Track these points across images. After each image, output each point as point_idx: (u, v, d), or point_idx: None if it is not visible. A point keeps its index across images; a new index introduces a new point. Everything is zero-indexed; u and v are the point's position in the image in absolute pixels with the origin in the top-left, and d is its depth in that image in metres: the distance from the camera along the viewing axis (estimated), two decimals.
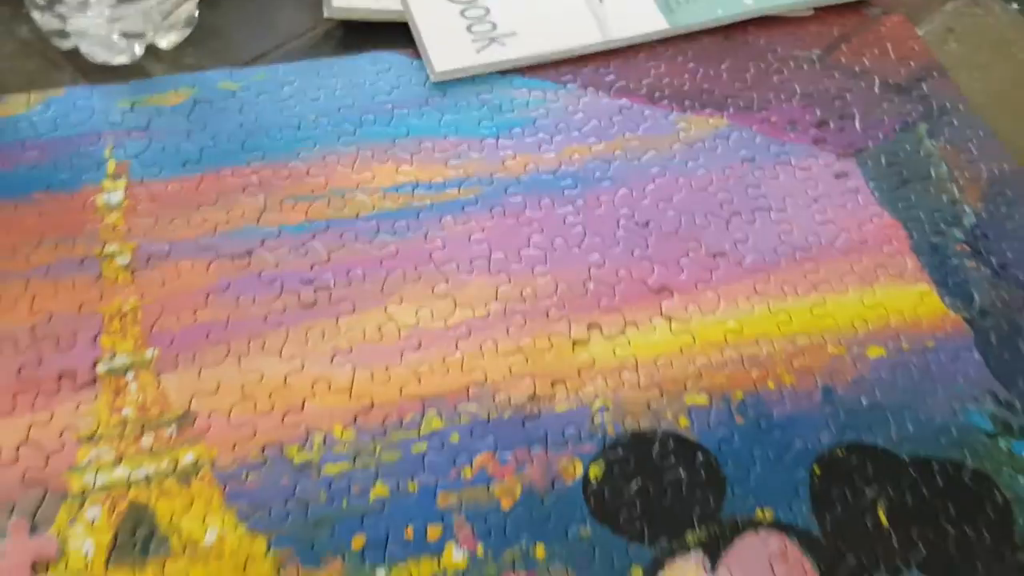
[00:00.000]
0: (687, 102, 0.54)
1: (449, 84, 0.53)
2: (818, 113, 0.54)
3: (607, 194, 0.49)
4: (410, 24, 0.54)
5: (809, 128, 0.53)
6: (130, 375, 0.39)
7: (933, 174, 0.51)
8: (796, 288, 0.45)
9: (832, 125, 0.53)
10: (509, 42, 0.54)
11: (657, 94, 0.54)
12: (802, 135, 0.53)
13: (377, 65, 0.53)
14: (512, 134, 0.51)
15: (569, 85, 0.54)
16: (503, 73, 0.53)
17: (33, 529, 0.35)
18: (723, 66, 0.56)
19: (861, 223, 0.48)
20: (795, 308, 0.45)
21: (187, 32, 0.51)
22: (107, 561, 0.35)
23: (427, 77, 0.53)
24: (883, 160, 0.52)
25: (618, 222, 0.48)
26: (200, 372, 0.40)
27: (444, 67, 0.53)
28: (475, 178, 0.49)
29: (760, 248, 0.47)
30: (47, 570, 0.34)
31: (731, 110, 0.53)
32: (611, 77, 0.55)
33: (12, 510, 0.36)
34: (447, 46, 0.53)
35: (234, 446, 0.38)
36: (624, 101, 0.54)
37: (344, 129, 0.50)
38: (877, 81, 0.56)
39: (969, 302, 0.46)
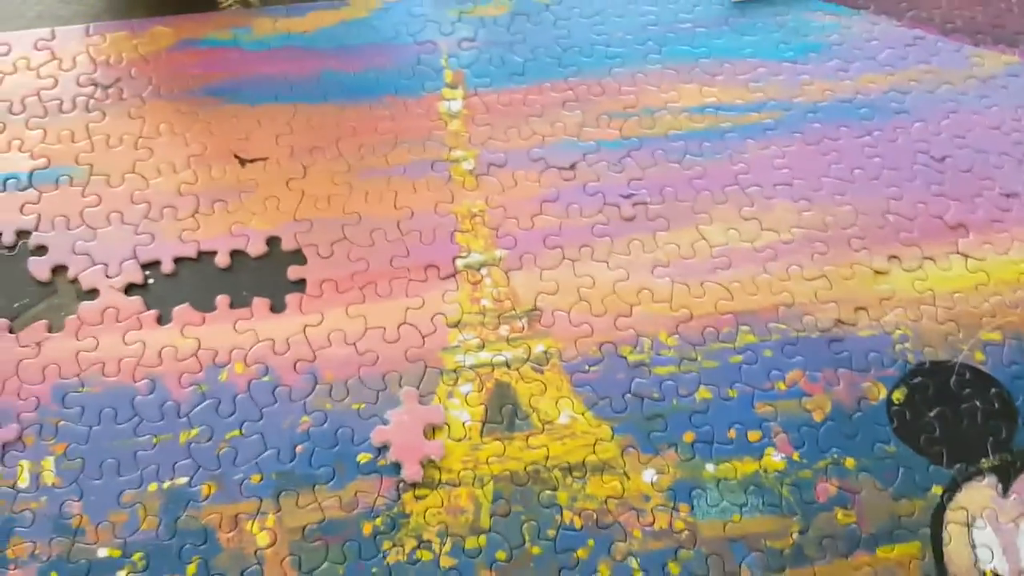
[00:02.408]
0: (979, 36, 0.54)
1: (748, 4, 0.54)
2: None
3: (903, 126, 0.51)
4: None
5: None
6: (484, 271, 0.45)
7: None
8: None
9: None
10: None
11: (949, 26, 0.55)
12: None
13: None
14: (809, 58, 0.53)
15: (864, 11, 0.55)
16: None
17: (421, 398, 0.42)
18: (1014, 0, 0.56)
19: None
20: None
21: None
22: (481, 431, 0.42)
23: None
24: None
25: (915, 156, 0.50)
26: (541, 274, 0.45)
27: None
28: (775, 102, 0.51)
29: None
30: (434, 434, 0.41)
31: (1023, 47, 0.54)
32: (904, 5, 0.55)
33: (400, 381, 0.42)
34: None
35: (575, 341, 0.44)
36: (918, 31, 0.54)
37: (650, 47, 0.53)
38: None
39: None
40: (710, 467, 0.41)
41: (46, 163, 0.47)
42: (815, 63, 0.53)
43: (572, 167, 0.48)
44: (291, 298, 0.44)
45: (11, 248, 0.44)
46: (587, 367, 0.43)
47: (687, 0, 0.54)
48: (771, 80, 0.52)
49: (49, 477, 0.39)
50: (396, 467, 0.40)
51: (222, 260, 0.45)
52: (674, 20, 0.54)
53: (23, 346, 0.42)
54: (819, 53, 0.53)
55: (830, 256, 0.47)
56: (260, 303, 0.44)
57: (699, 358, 0.44)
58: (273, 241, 0.46)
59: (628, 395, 0.43)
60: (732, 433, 0.42)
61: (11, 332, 0.42)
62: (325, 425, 0.41)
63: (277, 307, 0.44)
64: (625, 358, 0.43)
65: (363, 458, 0.41)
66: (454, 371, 0.43)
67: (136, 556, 0.38)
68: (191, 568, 0.38)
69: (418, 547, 0.39)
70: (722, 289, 0.45)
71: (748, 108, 0.51)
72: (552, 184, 0.48)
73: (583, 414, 0.42)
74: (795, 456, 0.41)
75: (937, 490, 0.41)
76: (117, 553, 0.38)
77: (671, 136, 0.50)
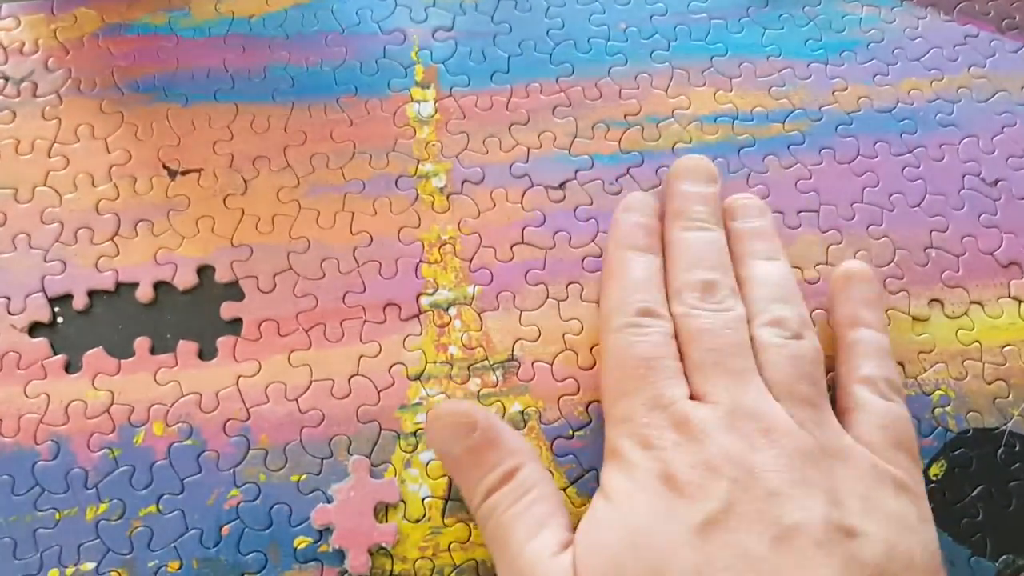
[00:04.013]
0: None
1: None
2: None
3: (950, 142, 0.45)
4: None
5: None
6: (453, 311, 0.40)
7: None
8: None
9: None
10: None
11: (1007, 22, 0.49)
12: None
13: None
14: (843, 58, 0.47)
15: (907, 2, 0.49)
16: None
17: (373, 468, 0.37)
18: None
19: None
20: None
21: None
22: (443, 510, 0.36)
23: None
24: None
25: (963, 178, 0.44)
26: (521, 316, 0.40)
27: None
28: (801, 110, 0.45)
29: None
30: (387, 514, 0.36)
31: None
32: None
33: (349, 447, 0.37)
34: None
35: (558, 400, 0.38)
36: (969, 27, 0.48)
37: (657, 43, 0.47)
38: None
39: None
40: None
41: None
42: (849, 64, 0.47)
43: (561, 186, 0.43)
44: (223, 342, 0.39)
45: None
46: (571, 431, 0.38)
47: None
48: (798, 84, 0.46)
49: None
50: (340, 555, 0.35)
51: (144, 294, 0.39)
52: (685, 10, 0.48)
53: None
54: (854, 52, 0.47)
55: None
56: (186, 348, 0.38)
57: None
58: (205, 271, 0.40)
59: None
60: None
61: None
62: (258, 501, 0.36)
63: (206, 353, 0.38)
64: None
65: (301, 543, 0.36)
66: (414, 434, 0.38)
67: None
68: None
69: None
70: None
71: (770, 118, 0.45)
72: (537, 206, 0.42)
73: (564, 490, 0.37)
74: None
75: None
76: None
77: (678, 151, 0.44)
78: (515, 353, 0.39)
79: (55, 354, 0.38)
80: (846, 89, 0.46)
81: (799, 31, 0.47)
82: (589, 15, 0.47)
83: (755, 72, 0.46)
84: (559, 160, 0.43)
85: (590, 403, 0.38)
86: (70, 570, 0.35)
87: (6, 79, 0.43)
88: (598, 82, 0.45)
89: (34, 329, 0.39)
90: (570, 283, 0.41)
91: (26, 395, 0.37)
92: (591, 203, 0.42)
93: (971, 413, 0.39)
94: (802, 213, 0.43)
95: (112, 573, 0.35)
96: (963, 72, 0.47)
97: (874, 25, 0.48)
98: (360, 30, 0.46)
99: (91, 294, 0.39)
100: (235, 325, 0.39)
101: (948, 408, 0.39)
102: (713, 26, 0.47)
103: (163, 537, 0.35)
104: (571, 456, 0.38)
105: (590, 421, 0.38)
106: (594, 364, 0.39)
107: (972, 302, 0.41)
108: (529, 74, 0.45)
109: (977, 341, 0.41)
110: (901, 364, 0.40)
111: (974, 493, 0.38)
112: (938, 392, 0.39)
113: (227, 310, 0.39)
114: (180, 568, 0.35)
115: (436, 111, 0.44)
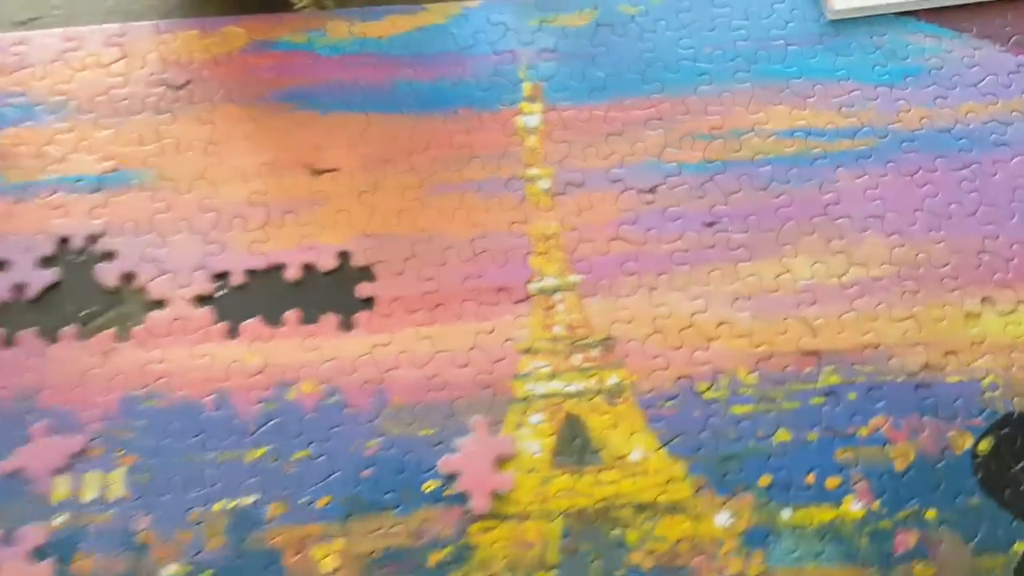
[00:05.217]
0: None
1: (843, 23, 0.55)
2: None
3: (1003, 160, 0.51)
4: None
5: None
6: (557, 296, 0.47)
7: None
8: None
9: None
10: None
11: None
12: None
13: None
14: (907, 83, 0.53)
15: (965, 34, 0.55)
16: (899, 15, 0.55)
17: (491, 427, 0.44)
18: None
19: None
20: None
21: None
22: (551, 463, 0.43)
23: (821, 13, 0.55)
24: None
25: (1013, 192, 0.50)
26: (617, 301, 0.47)
27: (843, 4, 0.55)
28: (869, 128, 0.52)
29: None
30: (503, 465, 0.43)
31: None
32: (1008, 29, 0.55)
33: (469, 408, 0.44)
34: None
35: (650, 374, 0.45)
36: (1022, 58, 0.55)
37: (739, 65, 0.53)
38: None
39: None
40: (786, 513, 0.42)
41: (115, 166, 0.49)
42: (913, 88, 0.53)
43: (652, 190, 0.50)
44: (360, 316, 0.46)
45: (80, 252, 0.47)
46: (662, 402, 0.45)
47: (780, 15, 0.55)
48: (866, 105, 0.52)
49: (117, 490, 0.42)
50: (463, 497, 0.42)
51: (292, 274, 0.47)
52: (766, 36, 0.54)
53: (90, 355, 0.44)
54: (917, 77, 0.53)
55: (921, 296, 0.47)
56: (329, 320, 0.46)
57: (779, 398, 0.45)
58: (343, 256, 0.47)
59: (703, 434, 0.44)
60: (810, 478, 0.43)
61: (79, 340, 0.45)
62: (392, 450, 0.43)
63: (345, 325, 0.46)
64: (701, 395, 0.45)
65: (429, 486, 0.42)
66: (524, 400, 0.44)
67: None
68: None
69: None
70: (806, 326, 0.46)
71: (840, 134, 0.52)
72: (631, 207, 0.49)
73: (656, 451, 0.43)
74: (875, 506, 0.43)
75: (1020, 547, 0.42)
76: (184, 571, 0.40)
77: (758, 161, 0.51)
78: (612, 333, 0.46)
79: (218, 322, 0.45)
80: (909, 110, 0.52)
81: (867, 58, 0.54)
82: (678, 39, 0.54)
83: (827, 93, 0.53)
84: (650, 167, 0.50)
85: (679, 377, 0.45)
86: (233, 503, 0.42)
87: (166, 86, 0.51)
88: (686, 99, 0.52)
89: (199, 300, 0.46)
90: (660, 274, 0.47)
91: (192, 356, 0.45)
92: (679, 205, 0.49)
93: (1016, 398, 0.45)
94: (869, 218, 0.49)
95: (270, 507, 0.42)
96: (1016, 97, 0.53)
97: (935, 54, 0.54)
98: (475, 51, 0.53)
99: (247, 272, 0.47)
100: (369, 303, 0.46)
101: (996, 393, 0.45)
102: (790, 51, 0.54)
103: (313, 477, 0.42)
104: (663, 422, 0.44)
105: (678, 394, 0.45)
106: (681, 344, 0.46)
107: (1020, 301, 0.47)
108: (624, 91, 0.52)
109: None
110: (955, 353, 0.46)
111: (1018, 467, 0.44)
112: (987, 379, 0.45)
113: (362, 289, 0.47)
114: (329, 503, 0.42)
115: (542, 123, 0.51)
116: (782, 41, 0.54)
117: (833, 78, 0.53)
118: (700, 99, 0.52)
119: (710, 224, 0.49)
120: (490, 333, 0.46)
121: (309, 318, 0.46)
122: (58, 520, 0.41)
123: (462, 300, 0.47)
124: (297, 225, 0.48)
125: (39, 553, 0.40)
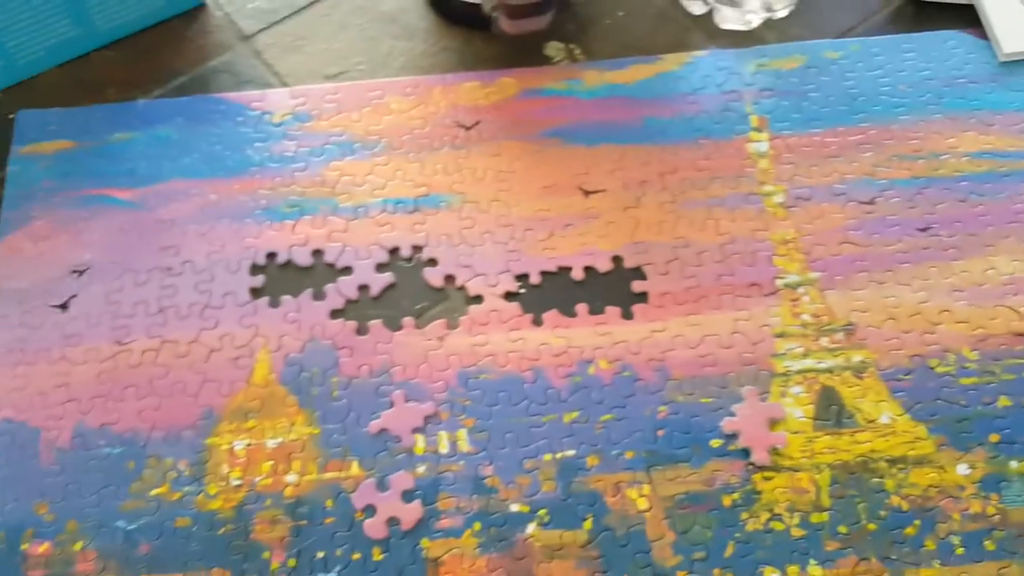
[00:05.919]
0: None
1: (1016, 64, 0.65)
2: None
3: None
4: (977, 8, 0.67)
5: None
6: (801, 290, 0.56)
7: None
8: None
9: None
10: None
11: None
12: None
13: (948, 43, 0.66)
14: None
15: None
16: None
17: (760, 395, 0.53)
18: None
19: None
20: None
21: (794, 4, 0.66)
22: (812, 425, 0.52)
23: (994, 56, 0.65)
24: None
25: None
26: (852, 293, 0.56)
27: (1012, 48, 0.64)
28: None
29: None
30: (775, 427, 0.52)
31: None
32: None
33: (739, 380, 0.53)
34: (1014, 29, 0.65)
35: (888, 353, 0.54)
36: None
37: (929, 100, 0.63)
38: None
39: None
40: (1014, 463, 0.51)
41: (427, 191, 0.60)
42: None
43: (871, 202, 0.59)
44: (637, 308, 0.56)
45: (408, 260, 0.57)
46: (900, 376, 0.54)
47: (959, 58, 0.65)
48: None
49: (464, 445, 0.52)
50: (745, 452, 0.51)
51: (577, 274, 0.57)
52: (949, 76, 0.64)
53: (428, 340, 0.55)
54: None
55: None
56: (612, 311, 0.56)
57: (998, 371, 0.53)
58: (617, 259, 0.57)
59: (938, 401, 0.53)
60: None
61: (417, 328, 0.55)
62: (679, 415, 0.52)
63: (626, 315, 0.56)
64: (933, 369, 0.54)
65: (715, 443, 0.52)
66: (783, 374, 0.54)
67: (541, 512, 0.50)
68: (587, 523, 0.49)
69: (771, 519, 0.49)
70: (1013, 312, 0.55)
71: (1022, 155, 0.61)
72: (854, 216, 0.59)
73: (901, 416, 0.52)
74: None
75: None
76: (526, 509, 0.50)
77: (956, 177, 0.60)
78: (851, 320, 0.55)
79: (524, 313, 0.56)
80: None
81: None
82: (876, 78, 0.64)
83: (1007, 121, 0.62)
84: (867, 183, 0.60)
85: (913, 355, 0.54)
86: (559, 455, 0.51)
87: (459, 126, 0.62)
88: (889, 127, 0.62)
89: (508, 296, 0.56)
90: (886, 271, 0.57)
91: (509, 340, 0.55)
92: (895, 214, 0.59)
93: None
94: None
95: (588, 458, 0.51)
96: None
97: None
98: (705, 91, 0.64)
99: (542, 274, 0.57)
100: (643, 297, 0.56)
101: None
102: (970, 88, 0.64)
103: (617, 434, 0.52)
104: (903, 393, 0.53)
105: (913, 369, 0.54)
106: (911, 329, 0.55)
107: None
108: (835, 121, 0.62)
109: None
110: None
111: None
112: None
113: (636, 286, 0.57)
114: (634, 457, 0.51)
115: (770, 148, 0.61)
116: (964, 80, 0.64)
117: (1010, 109, 0.63)
118: (901, 127, 0.62)
119: (923, 229, 0.58)
120: (747, 320, 0.55)
121: (595, 310, 0.56)
122: (420, 468, 0.51)
123: (720, 294, 0.56)
124: (576, 235, 0.58)
125: (407, 496, 0.50)
